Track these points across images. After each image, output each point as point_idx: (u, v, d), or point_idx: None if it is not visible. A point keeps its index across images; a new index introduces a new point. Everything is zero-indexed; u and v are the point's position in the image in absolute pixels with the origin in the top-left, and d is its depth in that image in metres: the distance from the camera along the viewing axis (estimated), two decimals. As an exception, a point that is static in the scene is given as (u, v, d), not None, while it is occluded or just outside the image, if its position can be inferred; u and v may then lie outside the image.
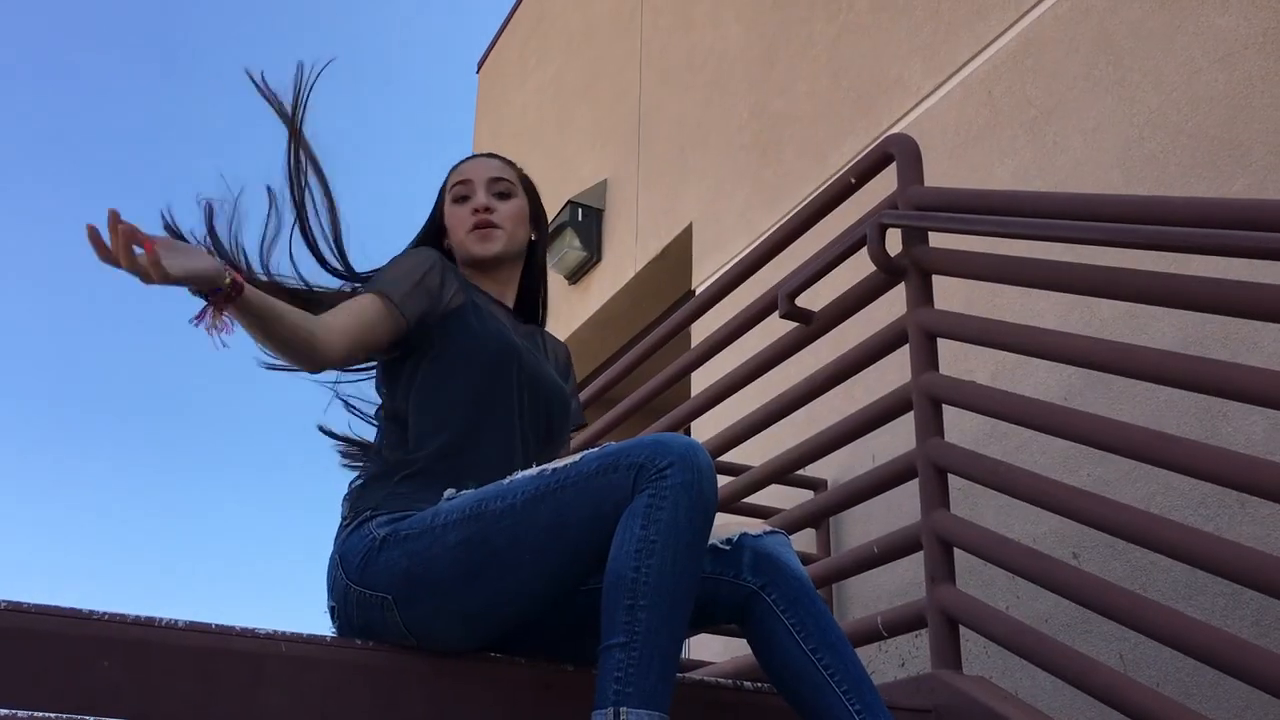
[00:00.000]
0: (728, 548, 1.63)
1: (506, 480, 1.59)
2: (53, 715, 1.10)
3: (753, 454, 3.29)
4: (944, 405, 2.18)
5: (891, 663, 3.30)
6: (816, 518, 2.67)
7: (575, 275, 6.09)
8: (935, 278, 2.30)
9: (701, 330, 4.27)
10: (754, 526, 1.68)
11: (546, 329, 2.07)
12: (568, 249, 5.89)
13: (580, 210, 5.91)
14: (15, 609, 1.37)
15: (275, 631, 1.51)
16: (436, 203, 2.01)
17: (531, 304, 2.04)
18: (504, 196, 1.95)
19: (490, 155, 2.02)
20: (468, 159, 2.01)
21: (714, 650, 3.92)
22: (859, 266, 2.63)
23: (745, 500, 3.03)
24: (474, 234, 1.91)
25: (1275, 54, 2.68)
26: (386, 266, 1.82)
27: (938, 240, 2.35)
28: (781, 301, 2.44)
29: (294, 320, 1.57)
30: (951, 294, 3.21)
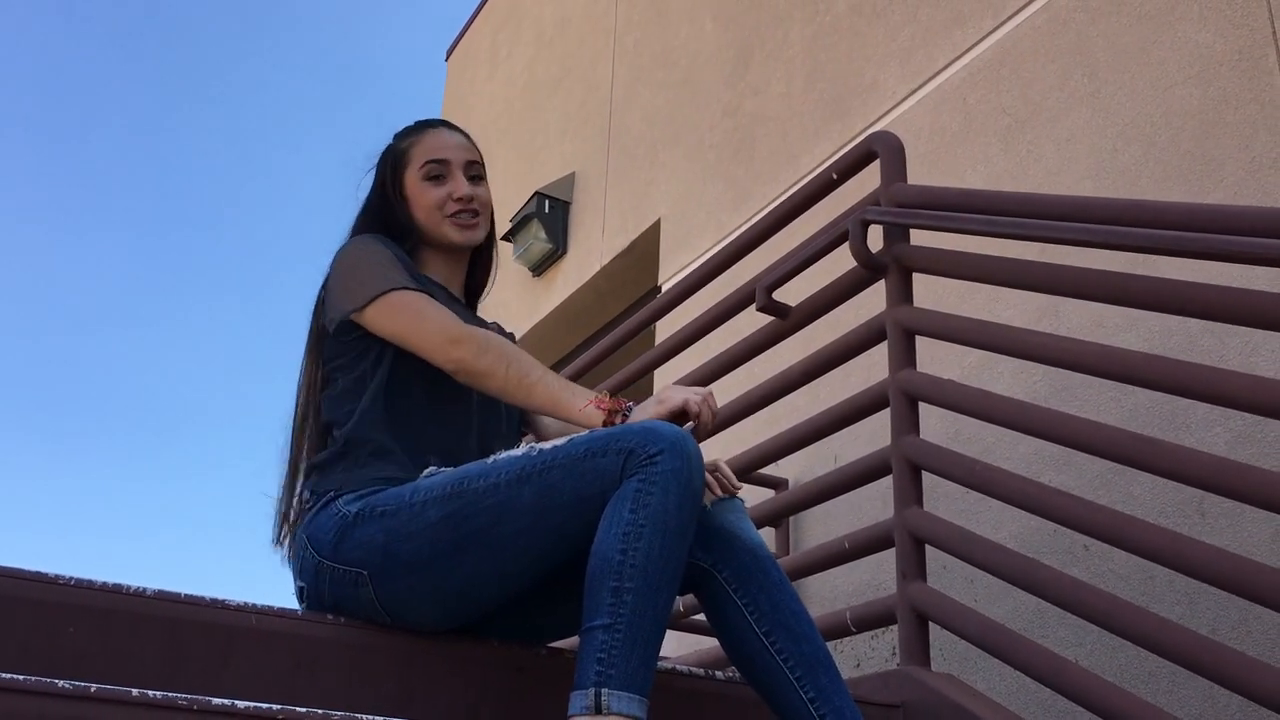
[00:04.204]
0: None
1: (489, 459, 1.56)
2: (15, 677, 1.06)
3: (712, 452, 3.28)
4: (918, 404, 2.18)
5: (847, 663, 3.30)
6: (781, 515, 2.67)
7: (540, 268, 6.05)
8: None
9: (667, 327, 4.26)
10: (705, 496, 1.65)
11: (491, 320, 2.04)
12: (533, 241, 5.85)
13: (547, 202, 5.87)
14: (-21, 570, 1.33)
15: (246, 604, 1.48)
16: (387, 174, 1.90)
17: (473, 295, 2.00)
18: (477, 181, 1.91)
19: (453, 128, 1.95)
20: (431, 130, 1.93)
21: (667, 646, 3.90)
22: (831, 265, 2.63)
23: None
24: (454, 221, 1.86)
25: (1250, 72, 2.72)
26: (354, 265, 1.74)
27: (918, 239, 2.36)
28: (760, 295, 2.43)
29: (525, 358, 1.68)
30: (919, 297, 3.22)
